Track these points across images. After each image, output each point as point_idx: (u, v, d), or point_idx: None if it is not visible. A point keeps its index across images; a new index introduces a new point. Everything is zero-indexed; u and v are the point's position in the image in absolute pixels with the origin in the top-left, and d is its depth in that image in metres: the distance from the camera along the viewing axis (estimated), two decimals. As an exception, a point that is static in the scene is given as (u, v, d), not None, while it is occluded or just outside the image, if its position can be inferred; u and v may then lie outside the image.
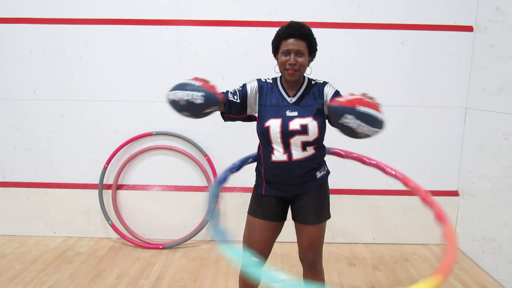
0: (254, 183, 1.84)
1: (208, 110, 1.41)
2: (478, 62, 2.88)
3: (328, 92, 1.70)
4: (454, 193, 3.11)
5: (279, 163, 1.67)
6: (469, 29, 2.91)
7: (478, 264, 2.81)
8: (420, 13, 2.90)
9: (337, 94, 1.71)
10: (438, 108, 3.02)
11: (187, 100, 1.36)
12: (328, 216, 1.79)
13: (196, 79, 1.45)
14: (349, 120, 1.32)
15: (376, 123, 1.36)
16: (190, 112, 1.42)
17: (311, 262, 1.78)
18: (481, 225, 2.82)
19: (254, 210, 1.79)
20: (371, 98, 1.39)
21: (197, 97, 1.36)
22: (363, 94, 1.42)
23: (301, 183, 1.71)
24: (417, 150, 3.07)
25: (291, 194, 1.74)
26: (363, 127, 1.34)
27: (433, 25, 2.90)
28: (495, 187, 2.66)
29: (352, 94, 1.41)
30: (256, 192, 1.80)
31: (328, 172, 1.80)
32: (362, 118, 1.34)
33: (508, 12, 2.57)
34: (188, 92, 1.37)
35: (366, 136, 1.40)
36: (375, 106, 1.36)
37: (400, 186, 3.07)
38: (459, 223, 3.09)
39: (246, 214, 1.82)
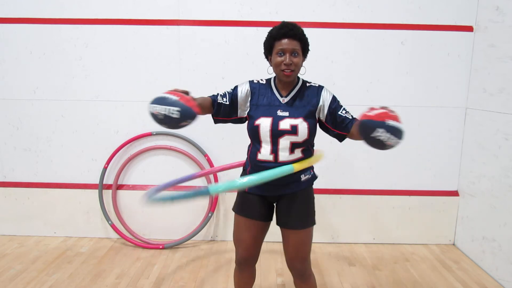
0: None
1: (184, 123, 1.43)
2: (478, 62, 2.88)
3: (326, 98, 1.69)
4: (454, 193, 3.11)
5: (264, 162, 1.66)
6: (469, 29, 2.91)
7: (478, 264, 2.81)
8: (420, 13, 2.90)
9: (335, 100, 1.70)
10: (438, 108, 3.02)
11: (164, 115, 1.39)
12: (313, 222, 1.77)
13: (175, 91, 1.45)
14: (381, 134, 1.39)
15: (401, 135, 1.42)
16: (167, 125, 1.45)
17: (299, 269, 1.76)
18: (481, 225, 2.82)
19: (239, 208, 1.80)
20: (392, 111, 1.45)
21: (173, 111, 1.38)
22: (384, 108, 1.45)
23: (284, 184, 1.70)
24: (417, 150, 3.07)
25: (274, 195, 1.74)
26: (392, 140, 1.40)
27: (433, 25, 2.90)
28: (495, 187, 2.66)
29: (373, 108, 1.45)
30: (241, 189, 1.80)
31: (314, 177, 1.79)
32: (391, 131, 1.39)
33: (508, 12, 2.57)
34: (165, 107, 1.38)
35: (391, 147, 1.45)
36: (399, 119, 1.43)
37: (400, 186, 3.09)
38: (459, 223, 3.09)
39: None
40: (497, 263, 2.60)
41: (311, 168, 1.78)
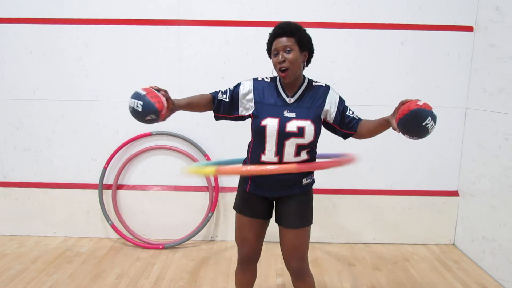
0: (239, 179, 1.83)
1: (148, 118, 1.52)
2: (478, 62, 2.88)
3: (333, 99, 1.68)
4: (454, 193, 3.11)
5: (269, 164, 1.65)
6: (469, 29, 2.91)
7: (478, 264, 2.81)
8: (420, 13, 2.90)
9: (342, 101, 1.70)
10: (438, 108, 2.95)
11: (132, 107, 1.49)
12: (310, 222, 1.77)
13: (148, 88, 1.53)
14: (429, 122, 1.43)
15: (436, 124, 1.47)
16: (136, 117, 1.54)
17: (296, 269, 1.76)
18: (481, 225, 2.82)
19: (240, 207, 1.80)
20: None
21: (139, 105, 1.48)
22: (417, 100, 1.48)
23: (286, 186, 1.70)
24: (417, 150, 3.07)
25: (274, 196, 1.75)
26: (433, 129, 1.45)
27: (433, 25, 2.90)
28: (495, 187, 2.66)
29: (415, 100, 1.48)
30: (241, 188, 1.81)
31: (313, 181, 1.80)
32: (435, 120, 1.44)
33: (508, 12, 2.57)
34: (133, 100, 1.49)
35: (426, 136, 1.48)
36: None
37: (400, 186, 3.09)
38: (459, 223, 3.09)
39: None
40: (497, 263, 2.60)
41: (312, 172, 1.78)
